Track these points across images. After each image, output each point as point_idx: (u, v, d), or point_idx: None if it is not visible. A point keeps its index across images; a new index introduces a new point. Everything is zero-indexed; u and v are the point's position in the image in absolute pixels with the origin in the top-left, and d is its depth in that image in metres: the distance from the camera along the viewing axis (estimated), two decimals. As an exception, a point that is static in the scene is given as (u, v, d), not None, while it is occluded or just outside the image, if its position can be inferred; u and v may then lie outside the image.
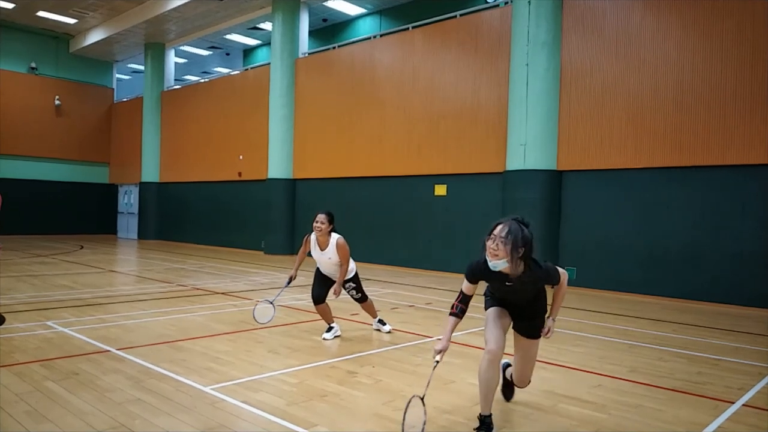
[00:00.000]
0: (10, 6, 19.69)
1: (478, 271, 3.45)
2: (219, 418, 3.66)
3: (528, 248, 3.26)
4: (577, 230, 11.02)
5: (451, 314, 3.55)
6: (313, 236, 5.91)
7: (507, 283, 3.40)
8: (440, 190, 13.33)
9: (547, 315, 3.68)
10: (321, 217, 5.81)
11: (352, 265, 6.12)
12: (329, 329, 6.12)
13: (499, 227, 3.29)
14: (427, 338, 6.25)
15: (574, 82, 11.07)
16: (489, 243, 3.28)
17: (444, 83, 13.23)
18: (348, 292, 6.09)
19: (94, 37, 22.08)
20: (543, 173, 11.03)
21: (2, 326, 6.16)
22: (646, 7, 10.23)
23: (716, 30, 9.46)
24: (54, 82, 23.20)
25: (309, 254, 6.10)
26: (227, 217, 19.37)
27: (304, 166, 16.63)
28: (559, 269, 3.54)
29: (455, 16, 13.27)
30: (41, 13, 20.43)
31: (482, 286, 3.67)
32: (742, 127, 9.15)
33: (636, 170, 10.29)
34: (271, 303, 6.40)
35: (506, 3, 12.22)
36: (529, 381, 3.81)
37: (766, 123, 8.91)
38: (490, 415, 3.51)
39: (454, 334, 6.38)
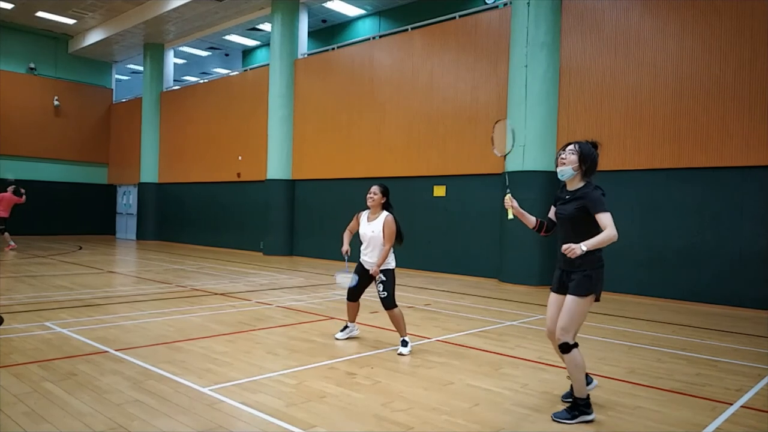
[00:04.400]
0: (9, 6, 19.68)
1: (556, 194, 4.11)
2: (217, 419, 3.66)
3: (592, 165, 3.87)
4: (575, 231, 11.00)
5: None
6: (363, 213, 5.85)
7: (566, 197, 3.92)
8: (439, 191, 13.33)
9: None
10: (374, 188, 5.73)
11: (393, 262, 5.78)
12: (344, 328, 6.12)
13: (571, 144, 3.95)
14: (425, 339, 6.25)
15: (573, 83, 11.08)
16: (560, 154, 3.90)
17: (443, 84, 13.23)
18: (377, 283, 5.66)
19: (93, 37, 22.07)
20: (542, 174, 11.03)
21: (0, 327, 6.16)
22: (645, 9, 10.24)
23: (715, 31, 9.48)
24: (53, 82, 23.18)
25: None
26: (226, 217, 19.36)
27: (303, 167, 16.63)
28: (610, 218, 3.68)
29: (454, 18, 13.28)
30: (40, 14, 20.41)
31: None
32: (741, 129, 9.16)
33: (635, 171, 10.29)
34: (348, 272, 5.94)
35: (505, 4, 12.23)
36: (563, 339, 3.71)
37: (766, 124, 8.93)
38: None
39: (452, 334, 6.46)
